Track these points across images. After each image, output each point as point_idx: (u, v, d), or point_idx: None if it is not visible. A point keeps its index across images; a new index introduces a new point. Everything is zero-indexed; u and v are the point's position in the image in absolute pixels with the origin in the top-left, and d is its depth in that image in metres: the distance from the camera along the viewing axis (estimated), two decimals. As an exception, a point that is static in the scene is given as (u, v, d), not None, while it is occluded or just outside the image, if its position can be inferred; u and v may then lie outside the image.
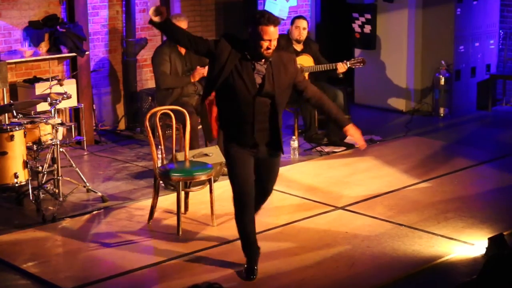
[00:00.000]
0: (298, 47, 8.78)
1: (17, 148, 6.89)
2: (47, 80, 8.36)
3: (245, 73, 5.19)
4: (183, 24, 7.80)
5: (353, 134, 5.46)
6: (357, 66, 8.76)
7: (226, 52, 5.18)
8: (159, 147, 6.89)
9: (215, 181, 6.90)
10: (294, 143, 8.48)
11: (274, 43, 5.17)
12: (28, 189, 6.90)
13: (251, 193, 5.34)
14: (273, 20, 5.15)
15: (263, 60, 5.22)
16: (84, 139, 8.83)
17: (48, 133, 7.15)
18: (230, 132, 5.34)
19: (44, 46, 8.71)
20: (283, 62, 5.29)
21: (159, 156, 7.02)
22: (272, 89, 5.22)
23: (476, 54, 10.59)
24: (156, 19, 5.12)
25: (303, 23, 8.76)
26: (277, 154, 5.45)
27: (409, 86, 10.50)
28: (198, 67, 7.98)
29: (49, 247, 6.15)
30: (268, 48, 5.14)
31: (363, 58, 8.88)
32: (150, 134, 6.56)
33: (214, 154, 7.36)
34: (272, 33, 5.13)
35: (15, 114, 7.20)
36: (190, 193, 6.83)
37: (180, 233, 6.28)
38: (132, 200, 7.18)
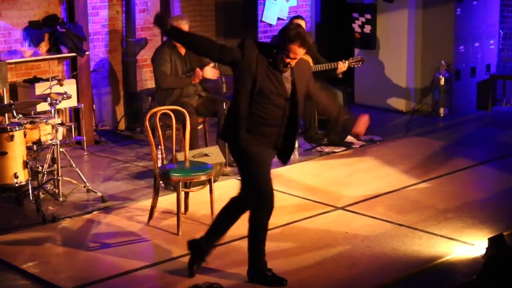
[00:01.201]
0: (297, 47, 8.77)
1: (17, 148, 6.89)
2: (47, 80, 8.35)
3: (275, 78, 5.18)
4: (184, 26, 7.80)
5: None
6: (356, 65, 8.77)
7: (254, 59, 5.12)
8: (159, 147, 6.89)
9: (215, 181, 6.90)
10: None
11: (296, 60, 5.18)
12: (28, 189, 6.90)
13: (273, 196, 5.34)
14: (306, 43, 5.11)
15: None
16: (84, 139, 8.83)
17: (48, 133, 7.16)
18: (252, 134, 5.26)
19: (44, 46, 8.71)
20: (301, 69, 5.30)
21: (159, 156, 7.02)
22: (296, 94, 5.27)
23: (476, 54, 10.59)
24: (163, 26, 5.05)
25: (301, 23, 8.75)
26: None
27: (409, 86, 10.50)
28: (197, 69, 7.95)
29: (49, 247, 6.15)
30: (288, 64, 5.15)
31: (362, 57, 8.88)
32: (150, 134, 6.56)
33: (214, 154, 7.36)
34: (299, 53, 5.13)
35: (15, 114, 7.20)
36: (190, 193, 6.83)
37: (180, 233, 6.28)
38: (132, 200, 7.18)
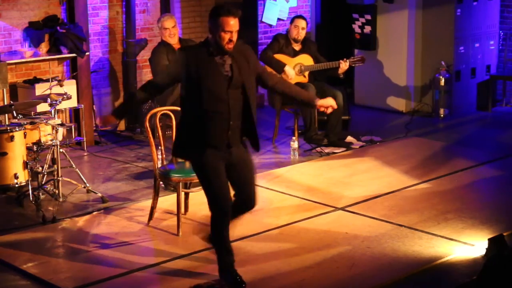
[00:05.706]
0: (297, 46, 8.82)
1: (17, 148, 6.89)
2: (47, 80, 8.36)
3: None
4: (166, 23, 8.03)
5: (323, 103, 5.42)
6: (357, 65, 8.77)
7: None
8: (159, 147, 6.89)
9: (215, 181, 6.89)
10: (294, 144, 8.48)
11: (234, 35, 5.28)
12: (28, 190, 6.91)
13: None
14: (234, 11, 5.39)
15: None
16: (84, 140, 8.83)
17: (48, 134, 7.16)
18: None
19: (44, 47, 8.71)
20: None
21: (159, 156, 7.02)
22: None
23: (476, 55, 10.59)
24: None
25: (301, 23, 8.78)
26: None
27: (409, 86, 10.50)
28: None
29: (49, 247, 6.15)
30: (230, 41, 5.29)
31: (363, 56, 8.87)
32: (150, 135, 6.56)
33: (214, 155, 7.34)
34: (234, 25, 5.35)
35: (15, 114, 7.21)
36: (190, 194, 6.82)
37: (180, 233, 6.28)
38: (132, 200, 7.18)
